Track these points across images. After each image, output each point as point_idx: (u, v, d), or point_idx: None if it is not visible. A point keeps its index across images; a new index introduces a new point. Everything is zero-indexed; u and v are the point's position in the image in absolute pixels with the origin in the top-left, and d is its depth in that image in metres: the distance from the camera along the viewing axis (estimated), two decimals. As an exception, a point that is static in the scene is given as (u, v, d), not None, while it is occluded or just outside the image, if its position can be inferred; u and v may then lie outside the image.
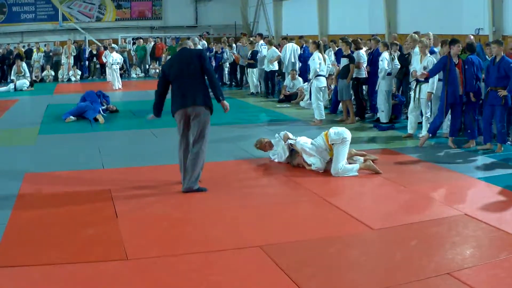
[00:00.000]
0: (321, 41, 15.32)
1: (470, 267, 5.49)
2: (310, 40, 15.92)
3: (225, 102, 8.32)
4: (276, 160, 9.96)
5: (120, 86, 24.03)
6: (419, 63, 11.80)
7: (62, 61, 28.20)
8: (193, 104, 8.12)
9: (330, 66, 15.64)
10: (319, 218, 7.26)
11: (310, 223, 7.05)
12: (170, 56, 21.69)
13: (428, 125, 11.60)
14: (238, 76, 24.13)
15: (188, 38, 26.04)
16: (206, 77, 8.31)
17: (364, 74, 14.49)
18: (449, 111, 11.28)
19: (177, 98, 8.29)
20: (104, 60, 25.86)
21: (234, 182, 8.93)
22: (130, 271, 5.57)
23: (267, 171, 9.60)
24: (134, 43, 31.99)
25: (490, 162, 9.92)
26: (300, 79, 18.92)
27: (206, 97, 8.20)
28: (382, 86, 13.61)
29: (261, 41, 21.53)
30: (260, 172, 9.57)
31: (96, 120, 14.84)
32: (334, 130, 9.13)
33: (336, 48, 16.72)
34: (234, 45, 24.65)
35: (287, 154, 9.77)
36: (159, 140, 12.40)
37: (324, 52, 15.07)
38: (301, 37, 22.08)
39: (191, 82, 8.17)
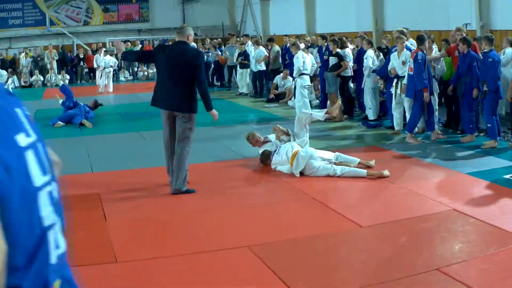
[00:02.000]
0: (299, 41, 15.45)
1: (459, 262, 5.50)
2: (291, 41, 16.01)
3: (214, 111, 8.28)
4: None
5: (111, 90, 23.94)
6: (396, 59, 11.84)
7: (48, 66, 28.26)
8: (178, 110, 8.07)
9: (316, 64, 15.73)
10: (308, 216, 7.27)
11: (298, 222, 7.06)
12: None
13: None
14: (227, 76, 24.19)
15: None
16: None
17: (349, 72, 14.55)
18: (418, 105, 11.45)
19: (161, 96, 8.20)
20: (96, 65, 25.53)
21: (222, 182, 8.92)
22: (120, 273, 5.56)
23: (255, 171, 9.58)
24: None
25: (477, 157, 9.96)
26: (291, 78, 18.90)
27: (192, 102, 8.07)
28: (368, 83, 13.63)
29: (249, 42, 21.53)
30: (248, 173, 9.56)
31: (82, 125, 14.82)
32: (302, 153, 9.10)
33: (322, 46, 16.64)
34: (223, 47, 24.74)
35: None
36: (148, 142, 12.38)
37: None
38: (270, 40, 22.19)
39: (178, 88, 8.01)
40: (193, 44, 25.07)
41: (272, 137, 10.18)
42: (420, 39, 11.53)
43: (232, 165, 9.95)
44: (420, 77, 11.07)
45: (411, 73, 11.20)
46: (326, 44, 15.26)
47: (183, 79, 8.01)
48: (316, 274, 5.39)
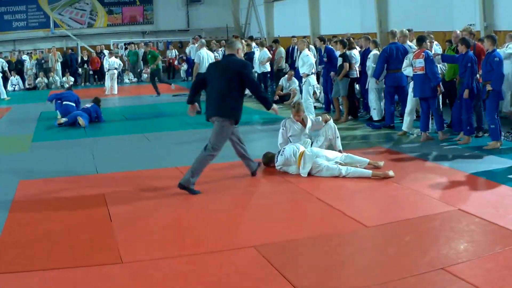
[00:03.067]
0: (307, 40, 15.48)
1: (465, 262, 5.50)
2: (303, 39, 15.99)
3: (274, 107, 8.83)
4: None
5: (115, 92, 23.94)
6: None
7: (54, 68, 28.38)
8: (216, 114, 8.35)
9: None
10: (313, 216, 7.28)
11: (303, 222, 7.08)
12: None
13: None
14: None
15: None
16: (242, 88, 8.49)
17: (355, 74, 14.54)
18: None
19: (207, 105, 8.56)
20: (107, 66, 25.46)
21: (228, 183, 8.94)
22: (125, 274, 5.57)
23: (260, 172, 9.56)
24: (126, 48, 31.95)
25: (482, 157, 9.95)
26: (296, 80, 18.82)
27: (230, 109, 8.36)
28: (372, 84, 13.61)
29: (253, 43, 21.55)
30: (254, 173, 9.56)
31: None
32: (309, 153, 9.12)
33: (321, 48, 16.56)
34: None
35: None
36: (152, 144, 12.42)
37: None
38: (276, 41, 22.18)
39: (219, 95, 8.31)
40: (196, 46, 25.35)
41: (310, 121, 10.14)
42: (420, 40, 11.53)
43: (237, 165, 9.91)
44: (435, 73, 11.17)
45: (421, 72, 11.20)
46: (324, 46, 15.34)
47: (227, 86, 8.31)
48: (322, 274, 5.39)
